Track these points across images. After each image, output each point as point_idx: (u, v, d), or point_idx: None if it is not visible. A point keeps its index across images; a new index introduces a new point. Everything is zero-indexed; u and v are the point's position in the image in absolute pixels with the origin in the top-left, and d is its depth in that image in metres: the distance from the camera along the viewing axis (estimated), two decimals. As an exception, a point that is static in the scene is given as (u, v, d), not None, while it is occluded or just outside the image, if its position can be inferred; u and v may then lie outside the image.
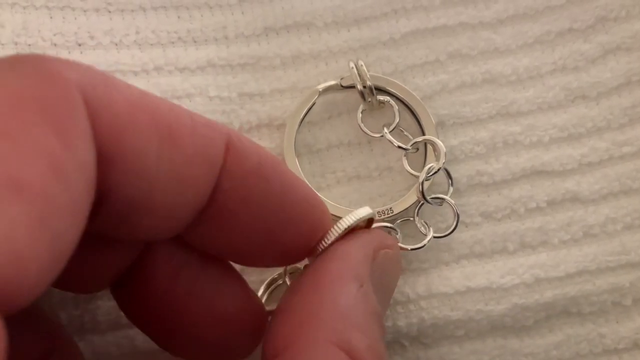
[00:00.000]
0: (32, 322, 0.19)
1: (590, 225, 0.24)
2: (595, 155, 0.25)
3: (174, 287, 0.19)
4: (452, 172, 0.24)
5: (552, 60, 0.25)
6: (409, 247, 0.23)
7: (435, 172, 0.24)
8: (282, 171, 0.18)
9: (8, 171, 0.12)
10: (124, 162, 0.15)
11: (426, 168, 0.24)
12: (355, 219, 0.19)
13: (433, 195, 0.24)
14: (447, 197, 0.24)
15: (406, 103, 0.25)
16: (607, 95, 0.25)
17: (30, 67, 0.14)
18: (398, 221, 0.24)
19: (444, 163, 0.24)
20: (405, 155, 0.24)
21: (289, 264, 0.20)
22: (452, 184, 0.24)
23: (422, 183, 0.23)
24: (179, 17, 0.25)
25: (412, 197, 0.24)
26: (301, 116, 0.24)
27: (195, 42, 0.25)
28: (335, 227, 0.19)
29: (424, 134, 0.24)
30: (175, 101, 0.24)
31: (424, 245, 0.23)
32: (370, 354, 0.17)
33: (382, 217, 0.24)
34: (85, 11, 0.24)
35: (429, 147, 0.24)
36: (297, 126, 0.24)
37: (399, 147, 0.24)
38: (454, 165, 0.25)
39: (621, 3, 0.26)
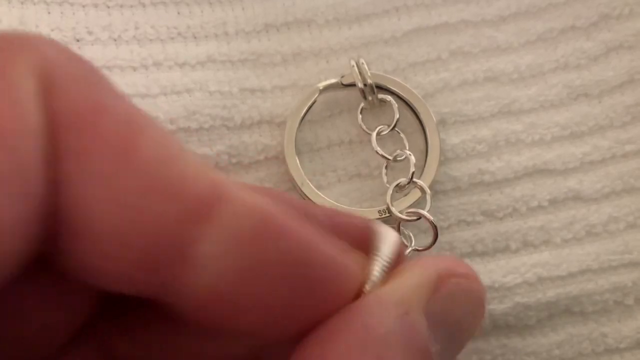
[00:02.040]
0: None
1: (593, 224, 0.24)
2: (597, 154, 0.25)
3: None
4: (453, 171, 0.24)
5: (555, 58, 0.25)
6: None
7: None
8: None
9: None
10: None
11: (393, 185, 0.23)
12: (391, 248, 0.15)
13: (409, 210, 0.23)
14: (424, 212, 0.23)
15: (407, 101, 0.24)
16: (610, 94, 0.25)
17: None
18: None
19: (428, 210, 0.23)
20: (385, 166, 0.24)
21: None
22: (429, 199, 0.24)
23: (389, 204, 0.23)
24: (178, 13, 0.25)
25: (414, 195, 0.24)
26: (302, 114, 0.24)
27: (195, 37, 0.25)
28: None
29: (424, 133, 0.24)
30: (175, 96, 0.24)
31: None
32: None
33: (383, 215, 0.24)
34: (83, 6, 0.24)
35: (429, 148, 0.24)
36: (297, 124, 0.24)
37: (382, 155, 0.24)
38: (456, 163, 0.24)
39: (624, 1, 0.25)
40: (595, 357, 0.24)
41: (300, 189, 0.24)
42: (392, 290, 0.14)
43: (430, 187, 0.24)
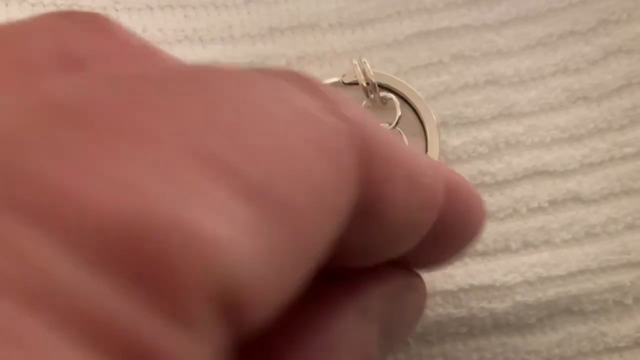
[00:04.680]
0: None
1: (592, 225, 0.24)
2: (596, 156, 0.25)
3: None
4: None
5: (554, 62, 0.26)
6: None
7: None
8: (480, 203, 0.19)
9: (294, 187, 0.11)
10: (377, 213, 0.14)
11: None
12: None
13: None
14: None
15: (408, 101, 0.25)
16: (608, 97, 0.25)
17: (311, 87, 0.13)
18: None
19: None
20: None
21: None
22: None
23: None
24: (185, 16, 0.25)
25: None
26: None
27: (201, 40, 0.25)
28: None
29: (425, 132, 0.25)
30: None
31: None
32: None
33: None
34: (92, 9, 0.25)
35: (428, 147, 0.25)
36: None
37: None
38: (457, 165, 0.25)
39: (622, 6, 0.26)
40: (594, 355, 0.24)
41: None
42: (355, 297, 0.17)
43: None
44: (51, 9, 0.24)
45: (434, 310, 0.24)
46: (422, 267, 0.20)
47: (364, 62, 0.25)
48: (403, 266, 0.19)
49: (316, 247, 0.12)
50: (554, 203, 0.25)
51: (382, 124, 0.25)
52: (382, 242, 0.15)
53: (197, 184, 0.09)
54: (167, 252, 0.09)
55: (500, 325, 0.24)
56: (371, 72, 0.25)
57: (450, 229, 0.17)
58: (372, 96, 0.25)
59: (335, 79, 0.25)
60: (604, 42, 0.26)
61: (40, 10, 0.24)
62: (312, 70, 0.25)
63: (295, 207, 0.11)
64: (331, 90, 0.14)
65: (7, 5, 0.24)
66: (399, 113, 0.24)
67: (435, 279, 0.24)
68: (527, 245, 0.24)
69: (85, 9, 0.25)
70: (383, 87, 0.25)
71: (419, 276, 0.20)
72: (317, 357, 0.15)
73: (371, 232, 0.14)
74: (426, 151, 0.25)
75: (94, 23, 0.15)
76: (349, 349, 0.16)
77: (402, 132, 0.25)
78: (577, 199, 0.25)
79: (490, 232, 0.24)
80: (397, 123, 0.25)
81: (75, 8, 0.25)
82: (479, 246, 0.24)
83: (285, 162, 0.11)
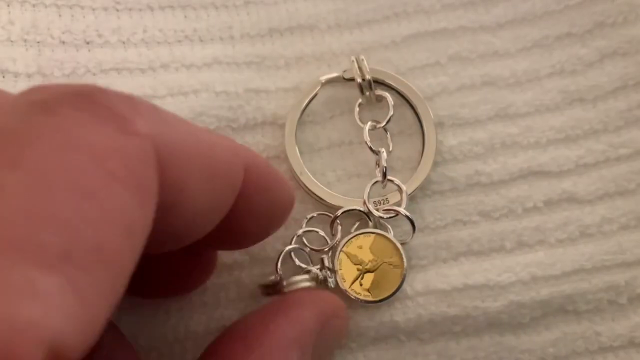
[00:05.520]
0: None
1: (587, 225, 0.25)
2: (591, 157, 0.25)
3: None
4: (450, 172, 0.25)
5: (551, 64, 0.26)
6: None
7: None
8: (277, 180, 0.19)
9: (94, 237, 0.12)
10: (177, 205, 0.15)
11: (372, 182, 0.24)
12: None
13: (386, 207, 0.24)
14: (401, 210, 0.24)
15: (405, 96, 0.25)
16: (604, 99, 0.26)
17: (104, 110, 0.14)
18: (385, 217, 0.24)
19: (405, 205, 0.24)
20: (377, 162, 0.24)
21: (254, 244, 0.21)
22: (405, 196, 0.24)
23: (366, 201, 0.24)
24: (185, 17, 0.26)
25: (407, 189, 0.24)
26: (304, 105, 0.25)
27: (201, 40, 0.25)
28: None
29: (422, 129, 0.25)
30: (182, 97, 0.24)
31: None
32: None
33: (378, 206, 0.24)
34: (93, 10, 0.25)
35: (425, 143, 0.25)
36: (299, 114, 0.25)
37: (370, 148, 0.24)
38: (453, 164, 0.25)
39: (618, 9, 0.26)
40: (589, 355, 0.24)
41: (299, 178, 0.24)
42: (296, 334, 0.18)
43: (426, 184, 0.24)
44: (53, 10, 0.25)
45: (427, 309, 0.24)
46: (235, 244, 0.21)
47: (362, 60, 0.25)
48: (327, 294, 0.20)
49: (128, 270, 0.13)
50: (549, 203, 0.25)
51: (373, 121, 0.25)
52: (185, 225, 0.16)
53: (8, 276, 0.11)
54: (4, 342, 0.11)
55: (494, 324, 0.24)
56: (367, 69, 0.25)
57: (254, 205, 0.18)
58: (367, 93, 0.25)
59: (335, 74, 0.25)
60: (599, 44, 0.26)
61: (41, 10, 0.24)
62: (311, 70, 0.26)
63: (107, 249, 0.13)
64: (125, 103, 0.15)
65: (8, 5, 0.24)
66: (391, 112, 0.25)
67: (429, 278, 0.24)
68: (522, 245, 0.24)
69: (87, 9, 0.25)
70: (383, 85, 0.25)
71: (341, 302, 0.21)
72: None
73: (175, 220, 0.16)
74: (422, 150, 0.25)
75: None
76: None
77: (387, 131, 0.25)
78: (572, 200, 0.25)
79: (485, 231, 0.25)
80: (387, 122, 0.25)
81: (77, 9, 0.25)
82: (474, 246, 0.24)
83: (90, 216, 0.13)
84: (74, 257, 0.12)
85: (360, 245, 0.24)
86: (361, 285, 0.23)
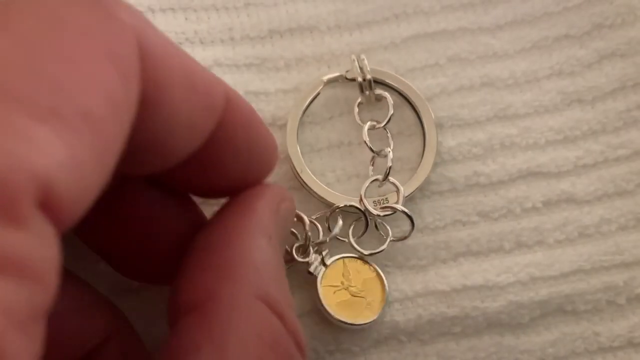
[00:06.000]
0: (91, 307, 0.19)
1: (585, 226, 0.25)
2: (590, 158, 0.25)
3: (136, 212, 0.19)
4: (450, 172, 0.25)
5: (549, 65, 0.26)
6: (367, 252, 0.24)
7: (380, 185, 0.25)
8: (260, 123, 0.20)
9: (82, 101, 0.13)
10: (158, 106, 0.15)
11: (369, 180, 0.24)
12: None
13: (383, 205, 0.24)
14: (398, 206, 0.24)
15: (407, 98, 0.25)
16: (602, 100, 0.26)
17: (95, 5, 0.14)
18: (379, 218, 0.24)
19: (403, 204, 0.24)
20: (372, 161, 0.25)
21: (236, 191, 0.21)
22: (401, 196, 0.24)
23: (363, 199, 0.24)
24: (186, 19, 0.26)
25: (408, 189, 0.24)
26: (306, 104, 0.25)
27: (202, 42, 0.25)
28: None
29: (423, 129, 0.25)
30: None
31: (382, 250, 0.24)
32: (286, 304, 0.18)
33: (377, 206, 0.24)
34: None
35: (426, 143, 0.25)
36: (301, 113, 0.25)
37: (369, 148, 0.25)
38: (452, 165, 0.25)
39: (616, 11, 0.26)
40: (588, 355, 0.24)
41: (300, 176, 0.24)
42: (257, 222, 0.19)
43: (425, 184, 0.25)
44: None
45: (427, 309, 0.24)
46: (218, 189, 0.20)
47: (363, 59, 0.25)
48: (271, 185, 0.21)
49: (115, 146, 0.14)
50: (547, 204, 0.25)
51: (373, 121, 0.25)
52: (167, 136, 0.16)
53: (3, 119, 0.12)
54: None
55: (494, 324, 0.24)
56: (368, 68, 0.25)
57: (234, 140, 0.18)
58: (366, 93, 0.25)
59: (337, 74, 0.25)
60: (598, 45, 0.26)
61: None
62: (311, 72, 0.26)
63: (94, 115, 0.13)
64: None
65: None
66: (391, 111, 0.25)
67: (429, 278, 0.24)
68: (521, 246, 0.25)
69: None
70: (384, 85, 0.25)
71: (284, 188, 0.22)
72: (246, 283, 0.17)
73: (156, 127, 0.16)
74: (423, 150, 0.25)
75: None
76: (270, 268, 0.18)
77: (387, 130, 0.25)
78: (570, 200, 0.25)
79: (484, 232, 0.25)
80: (387, 121, 0.25)
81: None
82: (473, 246, 0.24)
83: (77, 82, 0.13)
84: (63, 116, 0.12)
85: (359, 270, 0.24)
86: (334, 293, 0.23)
